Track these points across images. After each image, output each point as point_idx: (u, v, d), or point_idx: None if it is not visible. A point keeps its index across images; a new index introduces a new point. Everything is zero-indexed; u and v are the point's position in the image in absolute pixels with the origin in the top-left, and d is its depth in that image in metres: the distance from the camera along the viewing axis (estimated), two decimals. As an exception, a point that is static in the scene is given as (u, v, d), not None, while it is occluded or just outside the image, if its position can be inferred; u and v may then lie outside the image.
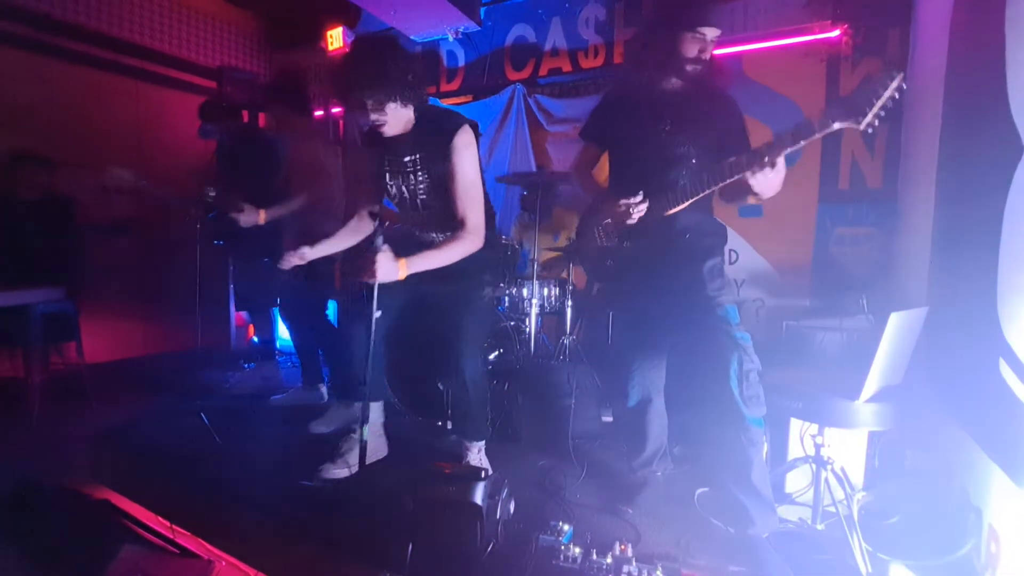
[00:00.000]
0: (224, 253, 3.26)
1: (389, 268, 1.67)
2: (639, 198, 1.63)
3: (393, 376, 2.51)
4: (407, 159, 1.87)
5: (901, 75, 1.27)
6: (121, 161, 3.09)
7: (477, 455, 2.09)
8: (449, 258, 1.81)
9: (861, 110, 1.30)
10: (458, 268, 1.83)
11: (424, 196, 1.91)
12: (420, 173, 1.88)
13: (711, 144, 1.67)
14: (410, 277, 1.74)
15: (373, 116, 1.76)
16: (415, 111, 1.84)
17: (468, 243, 1.82)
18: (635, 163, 1.79)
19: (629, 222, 1.67)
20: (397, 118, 1.79)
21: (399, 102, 1.75)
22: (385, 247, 1.67)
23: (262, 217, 2.70)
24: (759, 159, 1.41)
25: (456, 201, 1.82)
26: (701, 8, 1.59)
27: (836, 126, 1.34)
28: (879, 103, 1.29)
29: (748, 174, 1.42)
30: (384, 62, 1.70)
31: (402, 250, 1.73)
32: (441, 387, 2.50)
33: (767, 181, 1.42)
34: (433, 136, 1.83)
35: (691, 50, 1.60)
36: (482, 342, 2.05)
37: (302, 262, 1.98)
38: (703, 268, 1.68)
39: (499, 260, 2.07)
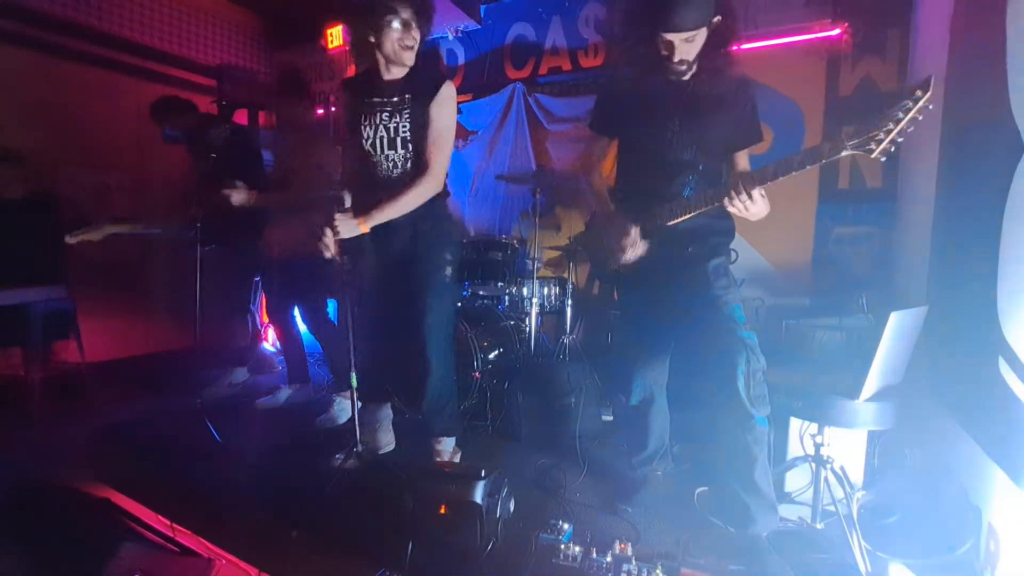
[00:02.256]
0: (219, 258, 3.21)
1: (349, 226, 1.83)
2: (635, 236, 1.62)
3: (389, 375, 2.51)
4: (396, 98, 1.92)
5: (926, 96, 1.10)
6: (121, 159, 3.08)
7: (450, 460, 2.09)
8: (406, 205, 1.88)
9: (874, 137, 1.22)
10: (419, 252, 1.96)
11: (403, 135, 1.92)
12: (405, 113, 1.91)
13: (721, 139, 1.65)
14: (376, 260, 1.95)
15: (407, 41, 1.84)
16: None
17: (426, 187, 1.89)
18: (641, 158, 1.75)
19: (624, 260, 1.65)
20: (414, 53, 1.89)
21: (423, 31, 1.89)
22: (346, 211, 1.86)
23: (253, 198, 2.61)
24: (762, 182, 1.41)
25: (428, 144, 1.89)
26: (664, 13, 1.46)
27: (846, 154, 1.29)
28: (896, 129, 1.18)
29: (744, 198, 1.43)
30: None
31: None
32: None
33: (757, 208, 1.45)
34: (425, 80, 1.93)
35: (667, 51, 1.53)
36: (447, 320, 2.03)
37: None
38: (709, 266, 1.66)
39: (457, 239, 2.12)
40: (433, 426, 2.09)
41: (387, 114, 1.92)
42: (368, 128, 1.93)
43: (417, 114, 1.90)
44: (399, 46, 1.84)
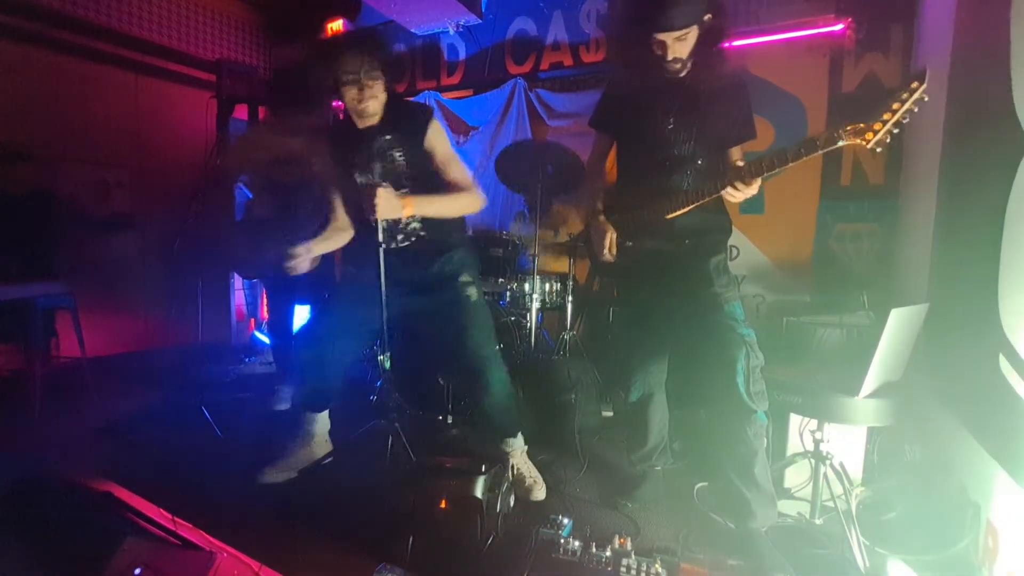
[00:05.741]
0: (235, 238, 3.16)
1: (391, 203, 1.65)
2: (611, 240, 1.70)
3: (393, 373, 2.51)
4: (381, 140, 1.79)
5: (922, 87, 1.16)
6: (120, 154, 3.05)
7: (521, 455, 2.02)
8: (454, 208, 1.83)
9: (871, 127, 1.25)
10: (440, 271, 1.88)
11: (400, 172, 1.82)
12: (397, 152, 1.81)
13: (716, 134, 1.66)
14: (398, 281, 1.79)
15: (365, 95, 1.72)
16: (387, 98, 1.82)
17: (470, 198, 1.83)
18: (640, 154, 1.77)
19: (604, 259, 1.71)
20: (380, 101, 1.77)
21: (383, 82, 1.76)
22: (387, 185, 1.66)
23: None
24: (759, 173, 1.42)
25: (441, 169, 1.83)
26: (655, 14, 1.47)
27: (842, 144, 1.30)
28: (892, 120, 1.21)
29: (740, 185, 1.46)
30: (383, 43, 1.77)
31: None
32: (442, 382, 2.52)
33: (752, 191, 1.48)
34: (406, 118, 1.83)
35: (660, 50, 1.54)
36: (493, 339, 1.96)
37: (311, 261, 1.86)
38: (709, 264, 1.67)
39: (475, 257, 2.02)
40: (501, 426, 1.99)
41: (377, 158, 1.81)
42: (360, 174, 1.84)
43: (409, 149, 1.82)
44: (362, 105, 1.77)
